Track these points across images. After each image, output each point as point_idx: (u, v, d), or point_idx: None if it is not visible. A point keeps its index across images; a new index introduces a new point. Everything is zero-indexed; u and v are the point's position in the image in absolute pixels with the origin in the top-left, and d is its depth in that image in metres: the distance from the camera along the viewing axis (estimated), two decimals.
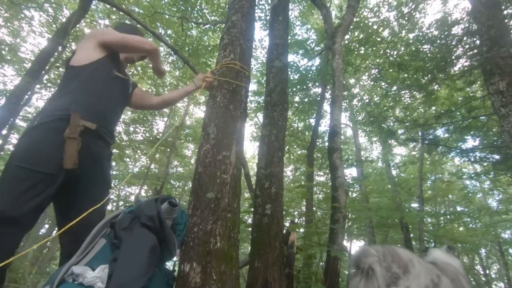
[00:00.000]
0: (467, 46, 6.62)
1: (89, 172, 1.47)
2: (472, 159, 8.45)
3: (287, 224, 3.01)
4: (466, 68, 6.61)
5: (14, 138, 11.83)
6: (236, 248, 1.62)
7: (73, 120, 1.38)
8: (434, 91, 8.04)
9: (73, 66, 1.59)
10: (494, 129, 7.36)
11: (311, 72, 9.91)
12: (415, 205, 11.43)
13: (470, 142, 9.27)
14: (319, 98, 8.88)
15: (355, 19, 7.61)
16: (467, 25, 6.65)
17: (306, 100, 10.19)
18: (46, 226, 10.92)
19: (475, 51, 5.90)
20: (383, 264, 0.85)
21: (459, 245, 11.79)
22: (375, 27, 8.80)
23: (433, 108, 9.20)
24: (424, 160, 10.41)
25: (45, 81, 8.81)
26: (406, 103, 9.67)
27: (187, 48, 8.43)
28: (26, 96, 5.74)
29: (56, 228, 1.52)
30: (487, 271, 15.53)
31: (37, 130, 1.39)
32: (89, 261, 1.20)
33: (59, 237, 1.47)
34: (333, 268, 2.66)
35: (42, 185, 1.30)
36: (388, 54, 8.77)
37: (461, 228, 12.30)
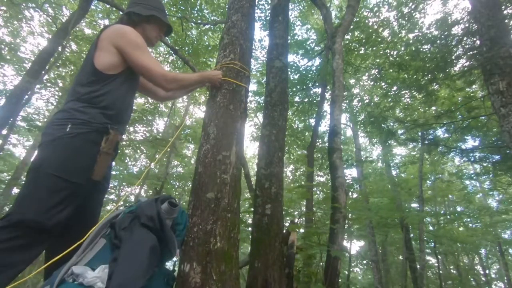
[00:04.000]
0: (467, 46, 6.63)
1: (105, 177, 1.52)
2: (472, 159, 8.45)
3: (287, 224, 3.01)
4: (466, 68, 6.61)
5: (14, 138, 11.84)
6: (236, 248, 1.62)
7: (113, 136, 1.42)
8: (434, 91, 8.04)
9: (101, 73, 1.49)
10: (494, 129, 7.36)
11: (311, 72, 9.92)
12: (415, 205, 11.43)
13: (470, 142, 9.28)
14: (319, 98, 8.88)
15: (355, 19, 7.60)
16: (467, 25, 6.65)
17: (306, 100, 10.19)
18: None
19: (475, 51, 5.90)
20: None
21: (459, 245, 11.82)
22: (375, 27, 8.80)
23: (433, 108, 9.20)
24: (424, 160, 10.42)
25: (45, 81, 8.82)
26: (406, 103, 9.67)
27: (187, 48, 8.43)
28: (26, 96, 5.74)
29: None
30: (487, 271, 15.53)
31: (75, 140, 1.35)
32: (89, 261, 1.20)
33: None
34: (333, 268, 2.66)
35: (75, 195, 1.33)
36: (388, 54, 8.77)
37: (461, 228, 12.30)
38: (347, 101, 11.18)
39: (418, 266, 8.63)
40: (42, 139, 1.39)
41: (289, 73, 9.14)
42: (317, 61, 9.92)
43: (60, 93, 9.75)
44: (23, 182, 1.37)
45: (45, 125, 1.52)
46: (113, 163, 1.73)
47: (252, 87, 11.20)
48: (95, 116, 1.42)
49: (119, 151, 1.71)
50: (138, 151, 11.44)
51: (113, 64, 1.51)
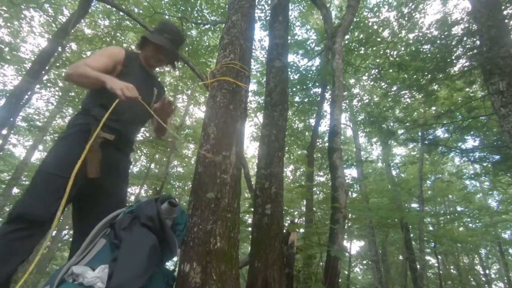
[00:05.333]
0: (467, 46, 6.62)
1: (107, 179, 1.57)
2: (472, 159, 8.45)
3: (287, 224, 3.01)
4: (466, 68, 6.60)
5: (14, 138, 11.85)
6: (236, 248, 1.62)
7: (94, 133, 1.49)
8: (434, 91, 8.04)
9: None
10: (494, 129, 7.36)
11: (311, 72, 9.91)
12: (415, 205, 11.42)
13: (470, 142, 9.28)
14: (319, 98, 8.87)
15: (355, 19, 7.60)
16: (467, 25, 6.65)
17: (306, 100, 10.18)
18: None
19: (475, 51, 5.90)
20: None
21: (459, 245, 11.82)
22: (375, 27, 8.79)
23: (433, 108, 9.20)
24: (424, 160, 10.42)
25: (45, 81, 8.82)
26: (406, 103, 9.67)
27: (187, 48, 8.43)
28: (26, 96, 5.73)
29: (72, 231, 1.67)
30: (487, 271, 15.53)
31: (64, 141, 1.53)
32: (89, 261, 1.20)
33: (74, 237, 1.61)
34: (333, 268, 2.66)
35: (64, 189, 1.38)
36: (388, 54, 8.77)
37: (461, 228, 12.31)
38: (347, 101, 11.17)
39: (418, 266, 8.63)
40: None
41: (289, 73, 9.13)
42: (317, 61, 9.92)
43: (60, 93, 9.76)
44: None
45: None
46: (129, 169, 1.81)
47: (252, 87, 11.20)
48: (82, 117, 1.57)
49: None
50: (138, 151, 11.43)
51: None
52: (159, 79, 2.06)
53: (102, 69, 1.61)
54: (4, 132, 8.05)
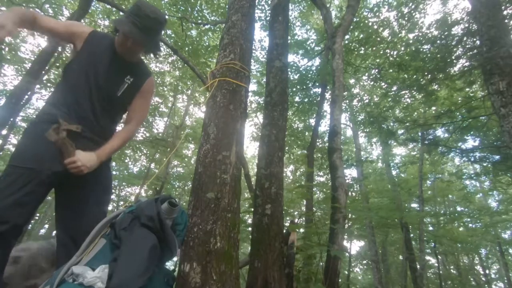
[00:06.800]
0: (467, 46, 6.62)
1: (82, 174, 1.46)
2: (472, 159, 8.44)
3: (287, 224, 3.01)
4: (466, 68, 6.61)
5: (14, 138, 11.85)
6: (236, 248, 1.62)
7: (61, 125, 1.39)
8: (434, 91, 8.04)
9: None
10: (494, 129, 7.36)
11: (311, 72, 9.91)
12: (415, 205, 11.43)
13: (470, 142, 9.27)
14: (319, 98, 8.88)
15: (355, 19, 7.60)
16: (467, 25, 6.65)
17: (306, 100, 10.19)
18: (46, 226, 10.93)
19: (475, 51, 5.90)
20: None
21: (459, 245, 11.83)
22: (375, 27, 8.79)
23: (433, 108, 9.20)
24: (424, 160, 10.42)
25: (45, 81, 8.82)
26: (406, 103, 9.67)
27: (187, 48, 8.43)
28: (26, 96, 5.73)
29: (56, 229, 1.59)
30: (487, 271, 15.54)
31: (27, 132, 1.47)
32: (89, 261, 1.20)
33: (56, 231, 1.56)
34: (333, 268, 2.66)
35: (23, 179, 1.30)
36: (388, 54, 8.77)
37: (461, 228, 12.31)
38: (347, 101, 11.18)
39: (418, 266, 8.63)
40: None
41: (289, 73, 9.13)
42: (317, 61, 9.93)
43: None
44: None
45: None
46: (113, 163, 1.69)
47: (252, 87, 11.20)
48: (44, 109, 1.50)
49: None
50: (138, 151, 11.43)
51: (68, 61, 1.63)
52: (143, 68, 1.74)
53: (56, 30, 1.51)
54: (4, 132, 8.04)
